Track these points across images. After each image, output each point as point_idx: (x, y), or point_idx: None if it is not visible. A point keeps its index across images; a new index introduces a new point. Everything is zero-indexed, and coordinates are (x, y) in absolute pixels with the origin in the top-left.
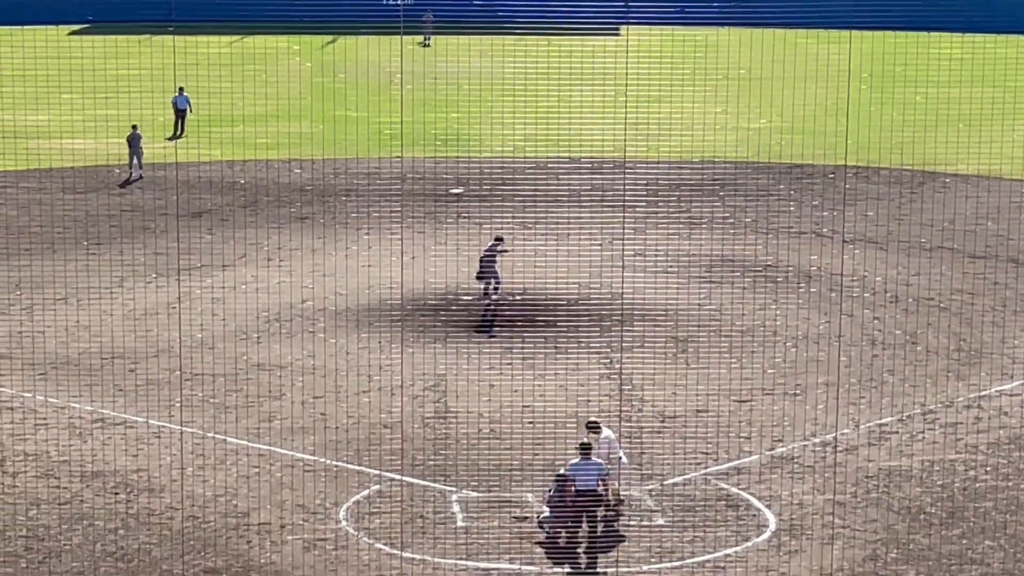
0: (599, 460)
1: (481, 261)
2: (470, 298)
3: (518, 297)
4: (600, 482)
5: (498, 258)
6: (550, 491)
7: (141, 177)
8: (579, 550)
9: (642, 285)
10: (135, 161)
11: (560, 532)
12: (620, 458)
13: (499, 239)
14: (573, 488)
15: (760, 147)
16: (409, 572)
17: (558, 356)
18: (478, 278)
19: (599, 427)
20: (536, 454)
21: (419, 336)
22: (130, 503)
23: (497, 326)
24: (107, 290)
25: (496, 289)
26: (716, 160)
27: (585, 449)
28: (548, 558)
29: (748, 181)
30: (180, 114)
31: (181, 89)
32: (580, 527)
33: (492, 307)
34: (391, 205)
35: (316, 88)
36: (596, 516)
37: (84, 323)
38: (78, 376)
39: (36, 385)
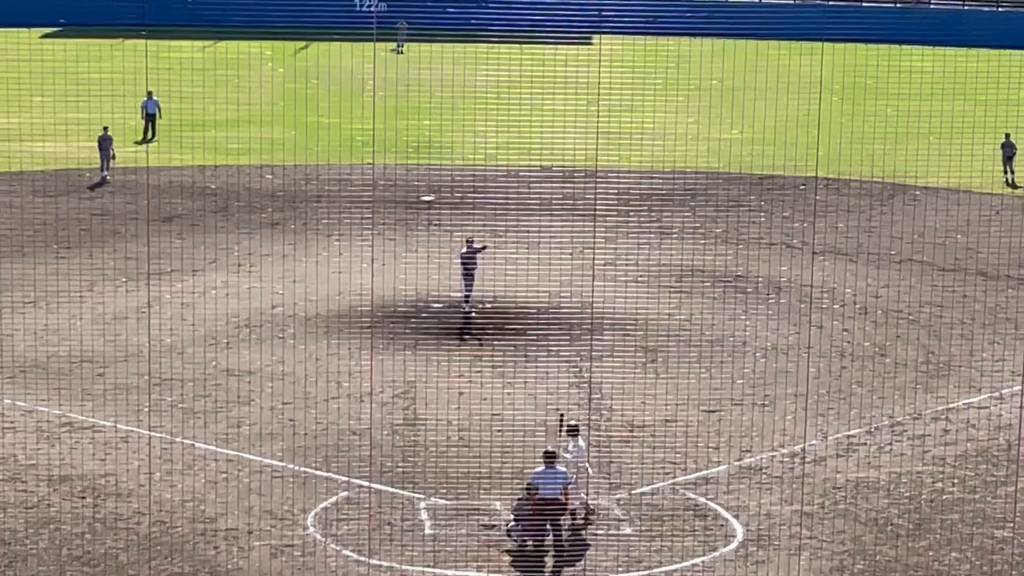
0: (563, 469)
1: (463, 265)
2: (440, 305)
3: (488, 305)
4: (563, 491)
5: (478, 260)
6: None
7: (105, 180)
8: (546, 558)
9: (612, 294)
10: (105, 163)
11: (527, 541)
12: (586, 468)
13: (470, 241)
14: (536, 496)
15: (731, 158)
16: None
17: (527, 365)
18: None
19: (577, 431)
20: (505, 462)
21: (389, 343)
22: (97, 507)
23: (467, 334)
24: (76, 294)
25: (467, 298)
26: (687, 170)
27: (549, 457)
28: (515, 567)
29: (719, 192)
30: (150, 118)
31: (150, 93)
32: (545, 536)
33: (468, 312)
34: (362, 212)
35: (288, 94)
36: (560, 525)
37: (53, 327)
38: (46, 379)
39: (4, 388)
